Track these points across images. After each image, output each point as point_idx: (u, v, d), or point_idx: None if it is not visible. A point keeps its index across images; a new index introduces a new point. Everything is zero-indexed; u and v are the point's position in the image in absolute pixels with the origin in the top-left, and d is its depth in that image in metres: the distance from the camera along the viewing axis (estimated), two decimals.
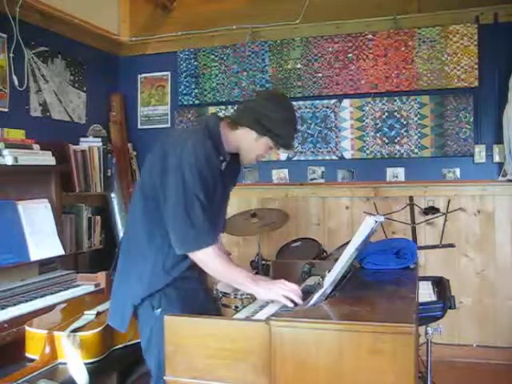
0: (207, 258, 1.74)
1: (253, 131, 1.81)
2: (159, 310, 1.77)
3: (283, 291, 1.71)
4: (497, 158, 3.66)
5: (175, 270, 1.81)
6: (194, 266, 1.82)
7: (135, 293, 1.81)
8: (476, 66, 3.66)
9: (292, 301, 1.69)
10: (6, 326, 2.26)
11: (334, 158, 4.02)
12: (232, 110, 4.21)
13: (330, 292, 1.61)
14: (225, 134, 1.84)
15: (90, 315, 2.19)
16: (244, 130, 1.83)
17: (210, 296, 2.19)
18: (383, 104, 3.89)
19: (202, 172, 1.70)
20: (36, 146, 3.08)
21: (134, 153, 4.43)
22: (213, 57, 4.27)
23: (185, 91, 4.34)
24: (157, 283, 1.80)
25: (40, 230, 2.89)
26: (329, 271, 1.69)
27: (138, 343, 2.10)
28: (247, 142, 1.84)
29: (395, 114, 3.86)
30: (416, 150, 3.82)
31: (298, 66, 4.07)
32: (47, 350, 1.97)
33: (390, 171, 3.91)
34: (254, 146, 1.85)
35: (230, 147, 1.86)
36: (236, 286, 1.84)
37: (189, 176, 1.69)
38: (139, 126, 4.51)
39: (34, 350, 2.02)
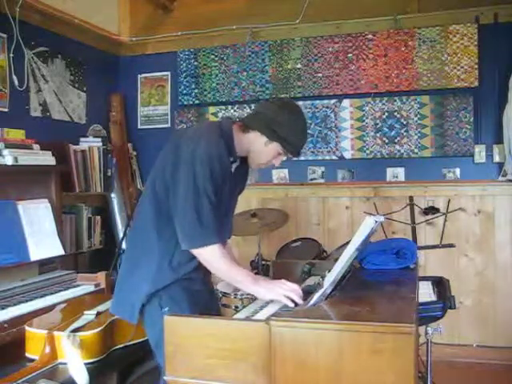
0: (212, 258, 1.75)
1: (263, 135, 1.83)
2: (167, 308, 1.77)
3: (284, 291, 1.72)
4: (497, 158, 3.66)
5: (182, 269, 1.81)
6: (199, 267, 1.83)
7: (141, 290, 1.80)
8: (476, 66, 3.66)
9: (293, 300, 1.69)
10: (6, 325, 2.26)
11: (333, 158, 4.02)
12: (232, 111, 4.21)
13: (330, 292, 1.61)
14: (237, 136, 1.86)
15: (89, 315, 2.19)
16: (255, 134, 1.85)
17: (215, 298, 2.19)
18: (383, 104, 3.89)
19: (212, 169, 1.72)
20: (36, 146, 3.08)
21: (134, 153, 4.44)
22: (213, 57, 4.27)
23: (185, 91, 4.34)
24: (162, 280, 1.80)
25: (40, 230, 2.89)
26: (329, 271, 1.69)
27: (138, 343, 2.11)
28: (257, 145, 1.86)
29: (395, 113, 3.86)
30: (416, 150, 3.82)
31: (298, 66, 4.07)
32: (47, 349, 1.97)
33: (389, 171, 3.91)
34: (264, 150, 1.86)
35: (241, 150, 1.88)
36: (237, 286, 1.85)
37: (200, 173, 1.70)
38: (139, 126, 4.51)
39: (34, 350, 2.02)
